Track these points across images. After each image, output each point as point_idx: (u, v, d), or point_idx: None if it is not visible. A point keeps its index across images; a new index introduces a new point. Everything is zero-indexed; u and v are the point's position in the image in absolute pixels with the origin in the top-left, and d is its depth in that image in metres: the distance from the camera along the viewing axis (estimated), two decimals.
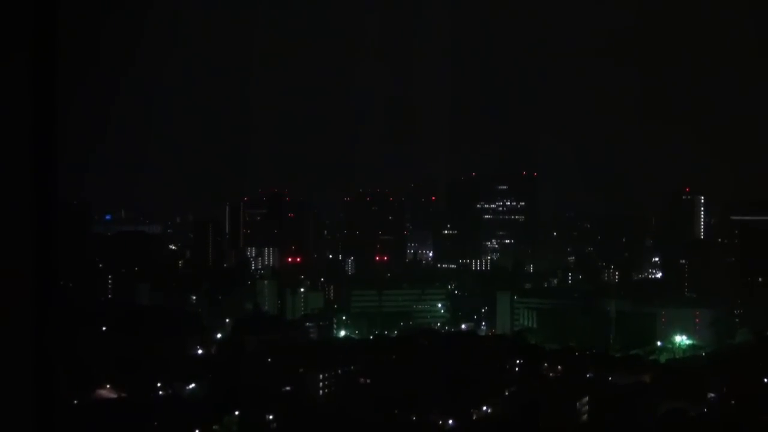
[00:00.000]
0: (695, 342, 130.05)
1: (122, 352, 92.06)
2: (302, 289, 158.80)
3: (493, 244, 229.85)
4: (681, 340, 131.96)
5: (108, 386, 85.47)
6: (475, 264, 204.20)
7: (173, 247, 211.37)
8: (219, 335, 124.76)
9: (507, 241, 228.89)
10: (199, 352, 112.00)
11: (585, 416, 76.01)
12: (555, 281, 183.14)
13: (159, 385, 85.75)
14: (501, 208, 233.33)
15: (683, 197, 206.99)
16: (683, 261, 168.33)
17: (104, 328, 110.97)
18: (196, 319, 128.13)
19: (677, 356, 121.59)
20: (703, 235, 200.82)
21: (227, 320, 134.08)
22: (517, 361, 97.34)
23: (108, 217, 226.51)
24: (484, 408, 78.66)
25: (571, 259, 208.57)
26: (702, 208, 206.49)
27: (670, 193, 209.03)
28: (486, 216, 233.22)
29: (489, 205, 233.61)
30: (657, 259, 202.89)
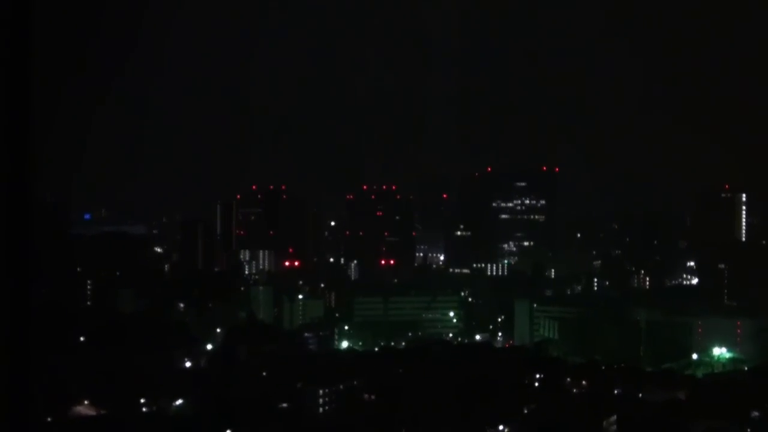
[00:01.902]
0: (736, 355, 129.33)
1: (102, 365, 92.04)
2: (300, 296, 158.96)
3: (511, 246, 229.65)
4: (720, 353, 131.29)
5: (86, 402, 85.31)
6: (491, 268, 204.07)
7: (159, 250, 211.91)
8: (209, 346, 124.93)
9: (526, 243, 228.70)
10: (188, 364, 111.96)
11: None
12: (579, 288, 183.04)
13: (143, 401, 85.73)
14: (519, 207, 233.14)
15: (722, 195, 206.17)
16: (722, 265, 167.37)
17: (83, 339, 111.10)
18: (184, 328, 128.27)
19: (716, 371, 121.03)
20: (745, 237, 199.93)
21: (218, 330, 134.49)
22: (537, 376, 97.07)
23: (87, 216, 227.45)
24: (501, 428, 78.44)
25: (597, 263, 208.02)
26: (744, 207, 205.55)
27: (708, 191, 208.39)
28: (502, 215, 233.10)
29: (506, 203, 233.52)
30: (692, 263, 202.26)
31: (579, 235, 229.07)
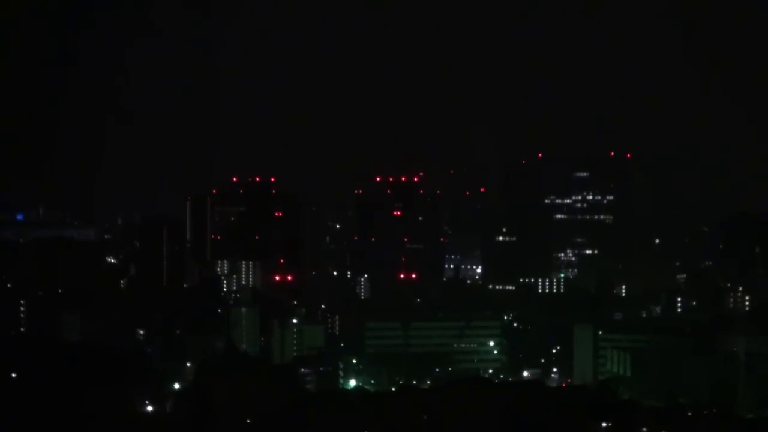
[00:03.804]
0: None
1: (39, 408, 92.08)
2: (295, 321, 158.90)
3: (569, 255, 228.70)
4: None
5: None
6: (543, 284, 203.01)
7: (113, 260, 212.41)
8: (177, 385, 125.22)
9: (588, 251, 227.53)
10: (149, 408, 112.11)
11: None
12: (657, 309, 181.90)
13: None
14: (580, 205, 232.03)
15: None
16: None
17: (14, 375, 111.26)
18: (145, 362, 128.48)
19: None
20: None
21: (188, 364, 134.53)
22: (604, 425, 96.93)
23: (20, 216, 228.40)
24: None
25: (681, 277, 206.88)
26: None
27: None
28: (558, 215, 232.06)
29: (562, 199, 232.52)
30: None
31: (657, 240, 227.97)
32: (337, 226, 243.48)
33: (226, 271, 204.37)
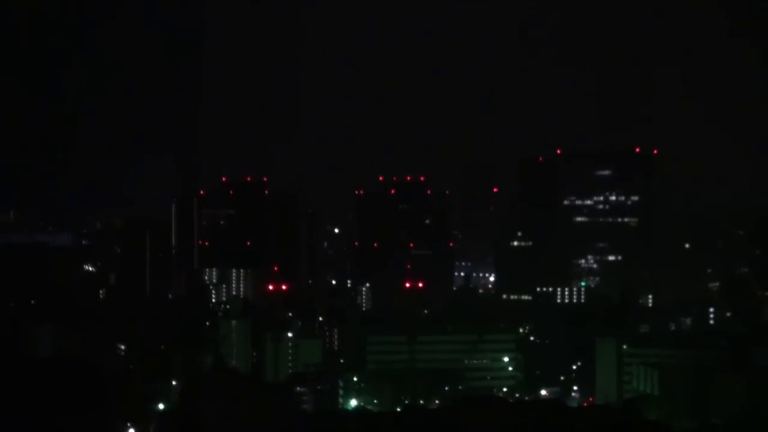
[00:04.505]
0: None
1: None
2: (290, 334, 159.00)
3: (590, 262, 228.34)
4: None
5: None
6: (562, 294, 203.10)
7: (91, 269, 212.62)
8: (161, 406, 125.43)
9: (611, 257, 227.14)
10: (131, 431, 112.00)
11: None
12: (688, 321, 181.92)
13: None
14: (602, 206, 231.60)
15: None
16: None
17: None
18: (126, 380, 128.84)
19: None
20: None
21: (174, 383, 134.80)
22: None
23: None
24: None
25: (714, 285, 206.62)
26: None
27: None
28: (578, 218, 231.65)
29: (583, 200, 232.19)
30: None
31: (688, 245, 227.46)
32: (336, 230, 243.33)
33: (214, 280, 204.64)
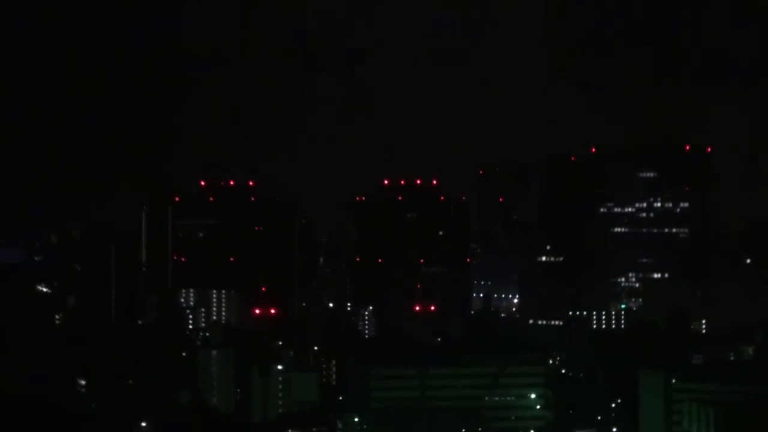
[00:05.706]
0: None
1: None
2: (280, 367, 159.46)
3: (631, 280, 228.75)
4: None
5: None
6: (599, 319, 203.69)
7: (45, 289, 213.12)
8: None
9: (656, 275, 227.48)
10: None
11: None
12: (750, 350, 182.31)
13: None
14: (645, 214, 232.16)
15: None
16: None
17: None
18: (87, 420, 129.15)
19: None
20: None
21: (143, 424, 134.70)
22: None
23: None
24: None
25: None
26: None
27: None
28: (617, 228, 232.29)
29: (622, 208, 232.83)
30: None
31: (749, 260, 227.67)
32: (334, 244, 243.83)
33: (192, 303, 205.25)
